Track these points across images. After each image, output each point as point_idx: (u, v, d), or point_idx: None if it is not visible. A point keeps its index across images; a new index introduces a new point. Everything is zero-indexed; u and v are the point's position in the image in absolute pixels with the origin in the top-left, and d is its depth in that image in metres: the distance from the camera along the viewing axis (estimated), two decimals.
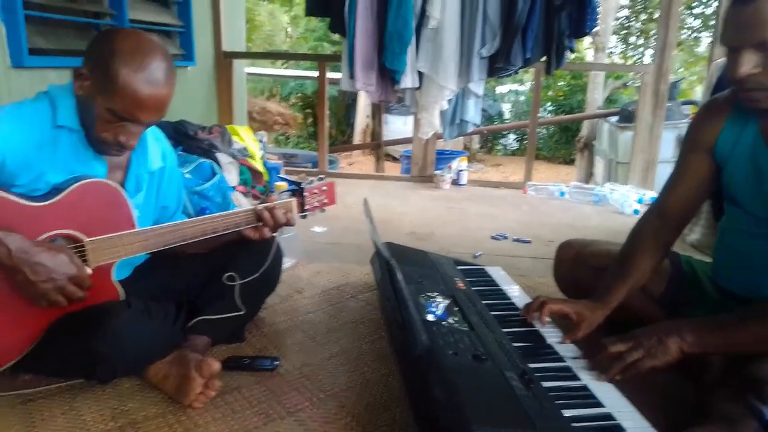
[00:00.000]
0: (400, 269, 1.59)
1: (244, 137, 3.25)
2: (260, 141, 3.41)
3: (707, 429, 1.00)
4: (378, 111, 5.66)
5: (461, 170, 3.89)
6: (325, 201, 1.61)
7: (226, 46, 3.92)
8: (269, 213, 1.41)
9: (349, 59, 3.05)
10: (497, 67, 3.05)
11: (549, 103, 10.99)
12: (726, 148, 1.32)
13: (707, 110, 1.38)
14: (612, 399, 1.13)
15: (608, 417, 1.07)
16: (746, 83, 1.12)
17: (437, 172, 3.86)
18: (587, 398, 1.13)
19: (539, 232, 2.76)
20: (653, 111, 3.54)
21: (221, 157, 2.73)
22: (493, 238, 2.70)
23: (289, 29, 13.78)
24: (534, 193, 3.73)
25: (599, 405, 1.11)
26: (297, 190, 1.53)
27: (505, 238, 2.70)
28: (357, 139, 9.56)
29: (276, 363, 1.40)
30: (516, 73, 3.21)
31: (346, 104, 10.20)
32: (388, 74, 3.08)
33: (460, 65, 3.09)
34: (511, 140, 11.22)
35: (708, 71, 3.16)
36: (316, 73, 4.08)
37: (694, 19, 9.03)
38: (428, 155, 3.92)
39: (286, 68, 11.02)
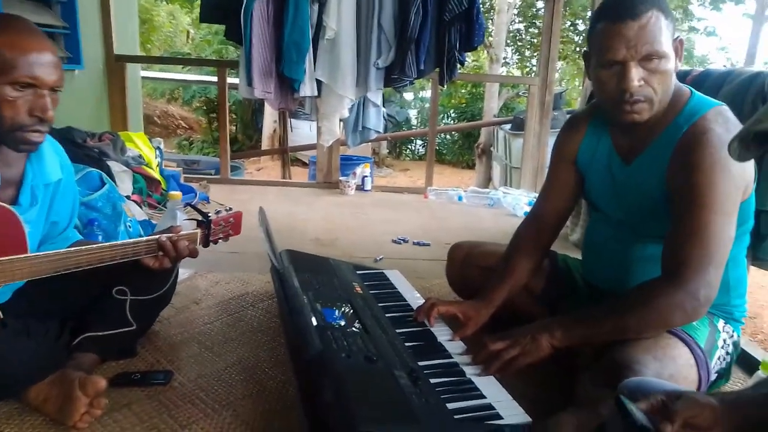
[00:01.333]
0: (297, 276, 1.62)
1: (139, 144, 3.12)
2: (156, 148, 3.29)
3: (571, 411, 1.10)
4: (283, 116, 5.61)
5: (365, 176, 3.96)
6: (231, 232, 1.59)
7: (118, 49, 3.74)
8: (172, 244, 1.36)
9: (247, 67, 3.04)
10: (393, 77, 3.16)
11: (452, 111, 11.44)
12: (586, 158, 1.47)
13: (569, 125, 1.53)
14: (493, 391, 1.22)
15: (488, 407, 1.16)
16: (635, 95, 1.21)
17: (342, 178, 3.91)
18: (471, 391, 1.21)
19: (438, 235, 2.88)
20: (540, 120, 3.81)
21: (113, 165, 2.62)
22: (394, 242, 2.79)
23: (191, 31, 13.32)
24: (434, 197, 3.87)
25: (481, 396, 1.20)
26: (204, 222, 1.49)
27: (406, 241, 2.79)
28: (265, 144, 9.40)
29: (169, 377, 1.37)
30: (411, 83, 3.34)
31: (253, 109, 10.01)
32: (287, 82, 3.10)
33: (357, 75, 3.16)
34: (418, 145, 11.53)
35: (584, 84, 3.45)
36: (213, 78, 3.99)
37: (577, 36, 9.75)
38: (333, 161, 3.96)
39: (187, 72, 10.62)
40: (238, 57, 3.33)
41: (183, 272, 2.03)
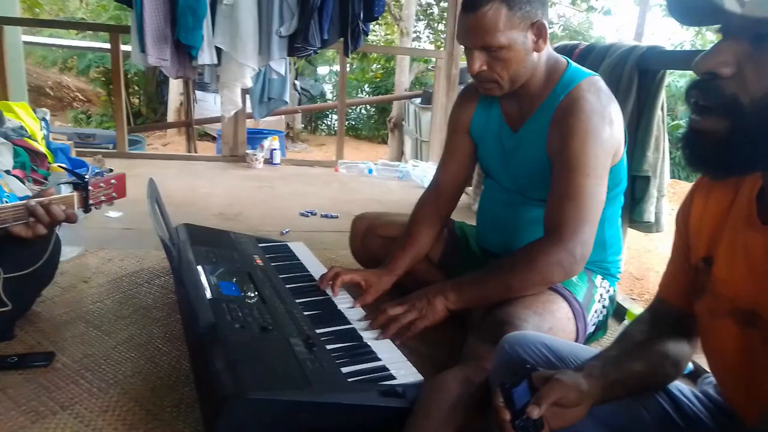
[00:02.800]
0: (193, 250, 1.57)
1: (21, 115, 2.86)
2: (42, 119, 3.04)
3: (458, 368, 1.15)
4: (187, 87, 5.35)
5: (274, 149, 3.88)
6: (114, 195, 1.49)
7: None
8: (44, 209, 1.25)
9: (139, 32, 2.85)
10: (297, 46, 3.09)
11: (366, 85, 11.41)
12: (478, 128, 1.52)
13: (462, 96, 1.58)
14: (388, 353, 1.25)
15: (382, 369, 1.19)
16: (478, 77, 1.32)
17: (249, 151, 3.81)
18: (366, 355, 1.24)
19: (347, 208, 2.89)
20: (447, 93, 3.88)
21: None
22: (301, 214, 2.76)
23: None
24: (345, 171, 3.87)
25: (376, 359, 1.22)
26: (80, 184, 1.39)
27: (314, 214, 2.78)
28: (171, 117, 8.94)
29: (51, 358, 1.29)
30: (316, 53, 3.28)
31: (158, 81, 9.46)
32: (184, 49, 2.95)
33: (259, 43, 3.06)
34: (334, 120, 11.44)
35: None
36: (109, 45, 3.72)
37: None
38: (239, 134, 3.84)
39: (81, 39, 9.83)
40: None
41: (70, 250, 1.92)
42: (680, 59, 1.80)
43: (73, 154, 3.21)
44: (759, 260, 0.73)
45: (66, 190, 1.40)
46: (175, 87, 8.67)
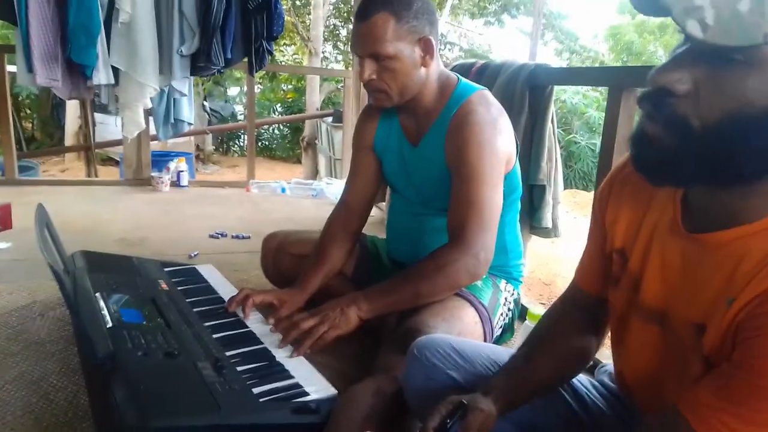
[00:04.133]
0: (90, 277, 1.48)
1: None
2: None
3: (370, 379, 1.16)
4: (85, 110, 5.06)
5: (181, 171, 3.76)
6: None
7: None
8: None
9: (25, 51, 2.67)
10: (199, 65, 3.03)
11: (278, 105, 11.33)
12: (381, 144, 1.57)
13: (364, 114, 1.62)
14: (301, 370, 1.23)
15: (296, 386, 1.17)
16: (369, 86, 1.36)
17: (155, 174, 3.66)
18: (279, 373, 1.22)
19: (259, 228, 2.83)
20: (356, 112, 3.93)
21: None
22: (211, 236, 2.68)
23: None
24: (257, 190, 3.81)
25: (289, 377, 1.21)
26: None
27: (224, 236, 2.71)
28: (69, 142, 8.40)
29: None
30: (221, 72, 3.23)
31: (53, 103, 8.87)
32: (77, 68, 2.79)
33: (160, 62, 2.97)
34: (245, 141, 11.21)
35: None
36: None
37: None
38: (143, 156, 3.68)
39: None
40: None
41: None
42: (564, 75, 1.95)
43: None
44: (676, 266, 0.73)
45: None
46: (72, 110, 8.16)
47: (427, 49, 1.34)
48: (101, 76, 2.82)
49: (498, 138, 1.34)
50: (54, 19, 2.71)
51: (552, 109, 1.96)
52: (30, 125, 9.31)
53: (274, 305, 1.46)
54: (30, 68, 2.70)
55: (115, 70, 2.93)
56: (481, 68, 2.11)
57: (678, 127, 0.60)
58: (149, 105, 3.06)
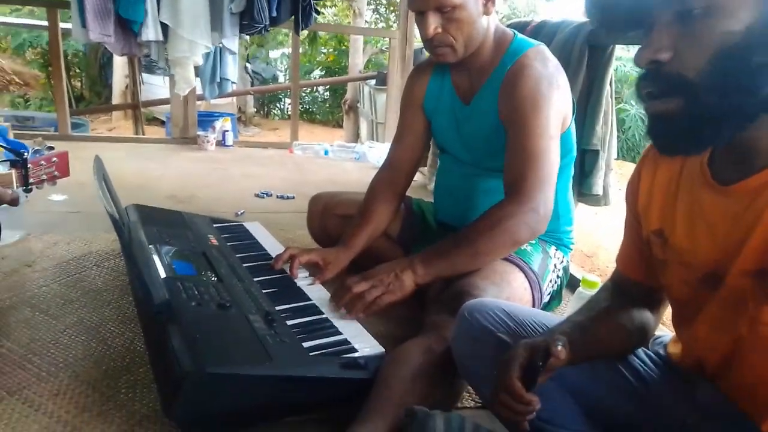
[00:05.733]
0: (144, 230, 1.52)
1: None
2: None
3: (419, 337, 1.16)
4: (133, 68, 5.14)
5: (226, 131, 3.80)
6: (56, 173, 1.42)
7: None
8: None
9: (79, 5, 2.71)
10: (244, 23, 3.01)
11: (319, 68, 11.25)
12: (431, 103, 1.53)
13: (414, 72, 1.59)
14: (350, 328, 1.25)
15: (344, 342, 1.19)
16: (433, 41, 1.32)
17: (201, 133, 3.70)
18: (327, 329, 1.24)
19: (303, 189, 2.85)
20: (402, 74, 3.87)
21: None
22: (256, 195, 2.72)
23: None
24: (300, 152, 3.82)
25: (337, 333, 1.22)
26: (18, 162, 1.31)
27: (269, 195, 2.74)
28: (116, 101, 8.58)
29: None
30: (267, 30, 3.20)
31: (101, 63, 9.04)
32: (130, 24, 2.82)
33: (211, 20, 2.96)
34: (287, 104, 11.24)
35: None
36: (46, 22, 3.52)
37: None
38: (189, 116, 3.73)
39: (16, 16, 9.27)
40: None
41: (11, 234, 1.83)
42: (628, 35, 1.84)
43: (11, 137, 3.04)
44: (718, 221, 0.75)
45: (3, 170, 1.33)
46: (119, 69, 8.30)
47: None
48: (150, 32, 2.84)
49: (555, 93, 1.30)
50: None
51: (611, 70, 1.87)
52: (79, 84, 9.53)
53: (319, 265, 1.47)
54: (83, 24, 2.74)
55: (164, 28, 2.94)
56: (537, 26, 2.03)
57: (678, 87, 0.65)
58: (200, 62, 3.08)
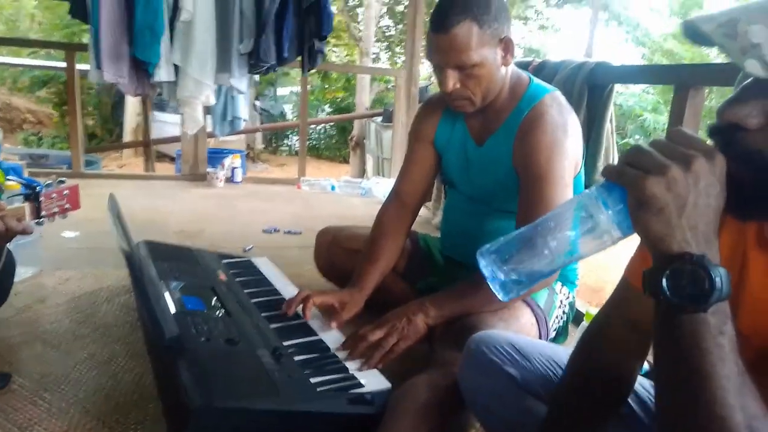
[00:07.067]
0: (155, 265, 1.55)
1: None
2: None
3: (426, 373, 1.17)
4: (145, 107, 5.27)
5: (235, 167, 3.86)
6: (67, 206, 1.46)
7: None
8: None
9: (95, 48, 2.82)
10: (251, 63, 3.11)
11: (327, 105, 11.47)
12: (443, 139, 1.56)
13: (425, 107, 1.61)
14: (356, 362, 1.26)
15: (351, 377, 1.20)
16: (452, 95, 1.34)
17: (210, 169, 3.77)
18: (335, 365, 1.24)
19: (310, 224, 2.88)
20: (407, 111, 3.95)
21: None
22: (264, 231, 2.75)
23: (37, 15, 12.03)
24: (307, 188, 3.87)
25: (344, 369, 1.23)
26: (31, 195, 1.35)
27: (277, 230, 2.77)
28: (128, 138, 8.77)
29: (7, 379, 1.25)
30: (274, 70, 3.30)
31: (113, 101, 9.27)
32: (142, 66, 2.92)
33: (220, 61, 3.06)
34: (294, 141, 11.41)
35: None
36: (63, 64, 3.65)
37: None
38: (199, 152, 3.81)
39: (33, 58, 9.57)
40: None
41: (24, 270, 1.86)
42: (627, 73, 1.90)
43: (25, 175, 3.11)
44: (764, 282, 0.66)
45: (17, 204, 1.36)
46: (131, 107, 8.51)
47: (508, 48, 1.33)
48: (162, 73, 2.94)
49: (568, 140, 1.33)
50: (122, 18, 2.85)
51: (611, 108, 1.92)
52: (91, 122, 9.74)
53: (335, 307, 1.44)
54: (99, 65, 2.84)
55: (176, 68, 3.04)
56: (538, 66, 2.09)
57: (753, 162, 0.56)
58: (210, 102, 3.16)
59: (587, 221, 0.56)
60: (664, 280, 0.54)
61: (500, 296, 0.59)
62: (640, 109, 7.17)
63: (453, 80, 1.31)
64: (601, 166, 1.91)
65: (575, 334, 1.57)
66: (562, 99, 1.40)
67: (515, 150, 1.37)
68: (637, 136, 7.07)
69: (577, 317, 1.65)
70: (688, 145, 0.54)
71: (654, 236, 0.54)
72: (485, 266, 0.59)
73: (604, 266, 4.56)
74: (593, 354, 0.87)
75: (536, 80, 1.44)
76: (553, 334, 1.47)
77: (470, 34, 1.25)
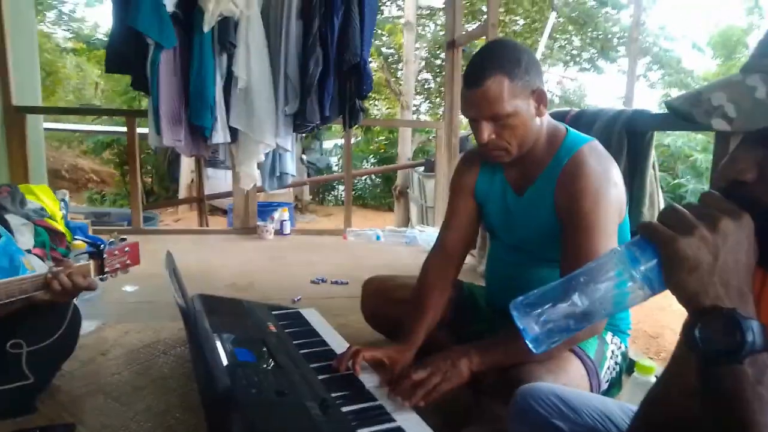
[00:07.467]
0: (208, 318, 1.61)
1: (41, 197, 2.99)
2: (61, 200, 3.16)
3: (474, 427, 1.17)
4: (199, 165, 5.55)
5: (284, 220, 3.98)
6: (128, 262, 1.56)
7: (17, 100, 3.60)
8: (64, 277, 1.32)
9: (155, 115, 3.03)
10: (297, 123, 3.26)
11: (371, 156, 11.73)
12: (483, 190, 1.59)
13: (465, 161, 1.65)
14: (403, 414, 1.26)
15: (398, 429, 1.20)
16: (488, 146, 1.38)
17: (260, 223, 3.90)
18: (382, 416, 1.25)
19: (356, 274, 2.92)
20: (448, 161, 4.01)
21: (11, 218, 2.49)
22: (312, 282, 2.81)
23: (100, 83, 12.98)
24: (353, 238, 3.94)
25: (391, 420, 1.24)
26: (95, 253, 1.46)
27: (324, 281, 2.82)
28: (182, 194, 9.19)
29: (71, 429, 1.31)
30: (318, 129, 3.45)
31: (169, 160, 9.79)
32: (198, 129, 3.12)
33: (275, 122, 3.24)
34: (340, 191, 11.66)
35: None
36: (124, 129, 3.92)
37: None
38: (250, 207, 3.96)
39: (97, 124, 10.28)
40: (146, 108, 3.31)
41: (88, 324, 1.96)
42: (665, 121, 1.89)
43: (90, 233, 3.31)
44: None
45: (83, 261, 1.47)
46: (186, 165, 8.96)
47: (540, 99, 1.37)
48: (219, 136, 3.13)
49: (611, 188, 1.33)
50: (179, 87, 3.09)
51: (653, 154, 1.91)
52: (149, 180, 10.28)
53: (384, 362, 1.44)
54: (158, 130, 3.05)
55: (232, 130, 3.23)
56: (576, 116, 2.11)
57: (754, 209, 0.59)
58: (263, 159, 3.33)
59: (620, 277, 0.58)
60: (697, 332, 0.56)
61: (533, 348, 0.61)
62: (690, 150, 7.00)
63: (488, 131, 1.35)
64: (646, 212, 1.89)
65: (628, 384, 1.52)
66: (601, 148, 1.42)
67: (557, 199, 1.38)
68: (687, 177, 6.87)
69: (630, 367, 1.60)
70: (716, 207, 0.58)
71: (687, 294, 0.57)
72: (518, 318, 0.62)
73: (661, 310, 4.38)
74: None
75: (573, 131, 1.46)
76: (605, 386, 1.43)
77: (502, 87, 1.30)
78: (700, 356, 0.56)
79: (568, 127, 1.47)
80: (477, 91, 1.32)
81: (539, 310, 0.61)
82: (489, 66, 1.31)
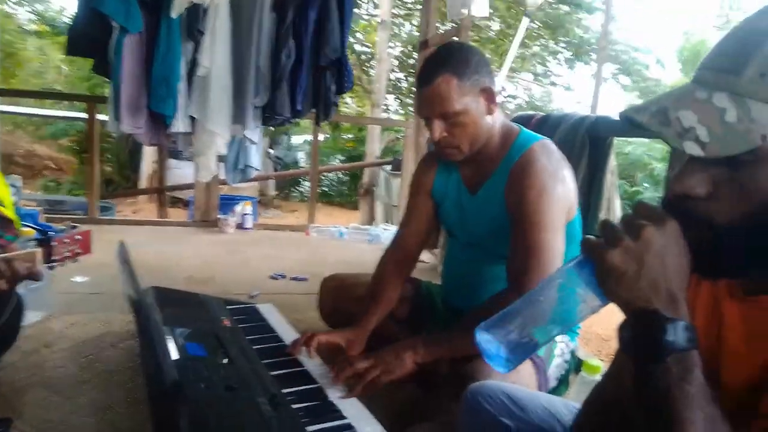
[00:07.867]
0: (161, 311, 1.57)
1: None
2: (12, 185, 3.04)
3: (425, 423, 1.17)
4: (161, 155, 5.42)
5: (246, 214, 3.92)
6: (78, 251, 1.50)
7: None
8: (3, 264, 1.26)
9: (115, 101, 2.95)
10: (266, 116, 3.21)
11: (339, 154, 11.68)
12: (440, 189, 1.61)
13: (424, 161, 1.68)
14: (354, 410, 1.25)
15: (348, 426, 1.19)
16: (440, 144, 1.40)
17: (221, 216, 3.84)
18: (332, 413, 1.24)
19: (317, 270, 2.89)
20: (415, 160, 4.01)
21: None
22: (271, 277, 2.77)
23: (64, 67, 12.56)
24: (316, 234, 3.92)
25: (341, 417, 1.23)
26: (43, 240, 1.40)
27: (284, 277, 2.79)
28: (143, 185, 8.95)
29: (8, 424, 1.26)
30: (289, 122, 3.41)
31: (130, 149, 9.52)
32: (159, 117, 3.04)
33: (236, 113, 3.18)
34: (306, 187, 11.55)
35: None
36: (85, 115, 3.80)
37: None
38: (211, 199, 3.88)
39: (57, 109, 9.94)
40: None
41: (34, 314, 1.89)
42: (626, 127, 1.94)
43: (41, 220, 3.19)
44: (738, 331, 0.68)
45: (29, 249, 1.40)
46: (148, 155, 8.73)
47: (490, 97, 1.39)
48: (179, 125, 3.06)
49: (558, 185, 1.36)
50: (141, 73, 3.00)
51: (612, 160, 1.95)
52: (109, 169, 9.99)
53: (341, 346, 1.47)
54: (117, 117, 2.96)
55: (192, 119, 3.16)
56: (541, 120, 2.14)
57: (707, 227, 0.60)
58: (222, 152, 3.26)
59: (568, 295, 0.61)
60: (625, 335, 0.59)
61: (500, 370, 0.63)
62: (649, 158, 7.22)
63: (440, 129, 1.37)
64: (602, 216, 1.93)
65: (575, 383, 1.55)
66: (553, 147, 1.44)
67: (507, 197, 1.41)
68: (645, 185, 7.08)
69: (578, 366, 1.63)
70: (643, 215, 0.59)
71: (620, 300, 0.59)
72: (481, 342, 0.63)
73: (613, 314, 4.49)
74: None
75: (526, 130, 1.49)
76: (554, 383, 1.46)
77: (450, 85, 1.33)
78: (629, 356, 0.59)
79: (522, 127, 1.50)
80: (427, 89, 1.35)
81: (500, 333, 0.63)
82: (439, 65, 1.35)
